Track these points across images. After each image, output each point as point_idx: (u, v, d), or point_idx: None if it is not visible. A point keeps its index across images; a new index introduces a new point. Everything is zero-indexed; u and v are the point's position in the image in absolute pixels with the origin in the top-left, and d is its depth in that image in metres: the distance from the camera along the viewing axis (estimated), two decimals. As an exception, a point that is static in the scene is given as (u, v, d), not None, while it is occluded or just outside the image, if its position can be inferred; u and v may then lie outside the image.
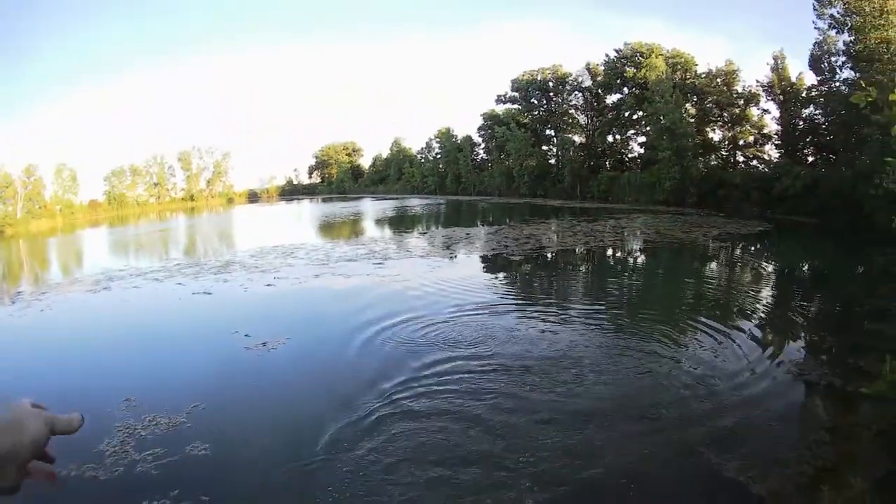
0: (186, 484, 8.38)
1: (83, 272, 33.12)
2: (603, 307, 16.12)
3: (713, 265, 22.35)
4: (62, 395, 12.57)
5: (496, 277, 21.20)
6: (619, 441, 8.40)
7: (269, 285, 22.20)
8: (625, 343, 12.87)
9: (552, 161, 64.03)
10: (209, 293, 21.90)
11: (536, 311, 15.70)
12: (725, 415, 9.05)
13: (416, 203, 57.05)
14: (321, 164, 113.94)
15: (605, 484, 7.48)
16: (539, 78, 64.81)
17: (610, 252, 25.23)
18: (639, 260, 24.26)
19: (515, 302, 17.06)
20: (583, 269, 22.77)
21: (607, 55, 57.00)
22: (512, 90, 68.17)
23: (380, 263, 25.09)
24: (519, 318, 15.24)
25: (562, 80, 62.70)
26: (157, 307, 21.09)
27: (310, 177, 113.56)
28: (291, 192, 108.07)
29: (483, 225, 37.73)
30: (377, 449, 8.98)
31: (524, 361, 11.94)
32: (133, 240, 52.79)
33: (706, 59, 71.38)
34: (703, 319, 14.12)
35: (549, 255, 24.88)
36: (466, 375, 11.38)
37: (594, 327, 14.20)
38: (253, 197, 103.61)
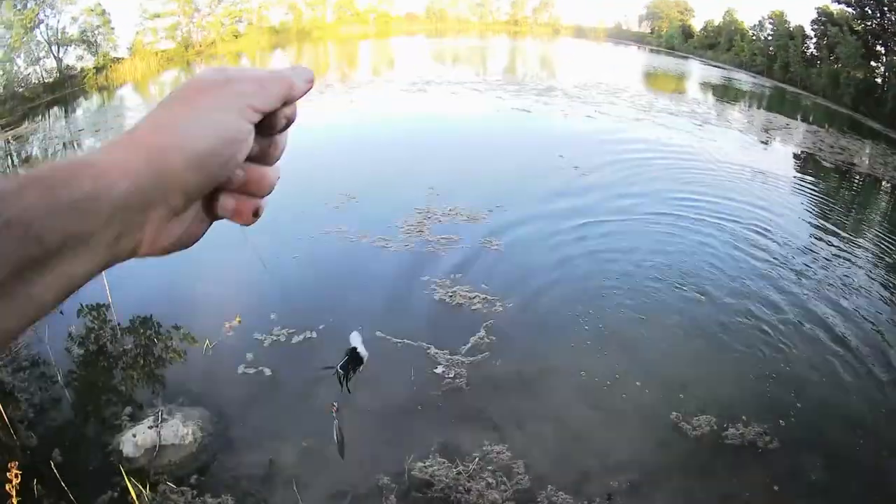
0: (470, 270, 9.12)
1: (397, 74, 34.43)
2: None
3: None
4: (370, 177, 13.56)
5: (802, 179, 19.51)
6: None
7: (588, 117, 22.45)
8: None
9: (878, 80, 57.94)
10: (528, 111, 22.37)
11: (823, 236, 13.62)
12: None
13: (742, 78, 54.22)
14: (651, 16, 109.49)
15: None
16: (872, -14, 57.86)
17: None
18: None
19: (812, 218, 15.22)
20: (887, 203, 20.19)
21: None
22: (847, -8, 61.59)
23: (699, 125, 24.24)
24: (814, 239, 13.32)
25: (896, -8, 55.56)
26: (474, 114, 21.84)
27: (639, 26, 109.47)
28: (618, 36, 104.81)
29: (803, 121, 35.47)
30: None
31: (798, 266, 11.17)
32: (452, 52, 53.83)
33: None
34: None
35: (856, 176, 22.67)
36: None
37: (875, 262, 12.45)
38: (580, 33, 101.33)
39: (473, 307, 8.39)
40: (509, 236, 10.75)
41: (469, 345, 7.52)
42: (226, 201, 0.77)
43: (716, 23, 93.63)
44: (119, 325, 8.23)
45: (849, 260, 12.04)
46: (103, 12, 41.87)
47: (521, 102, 24.43)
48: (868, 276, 11.43)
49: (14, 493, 4.36)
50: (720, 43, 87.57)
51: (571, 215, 12.00)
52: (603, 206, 12.70)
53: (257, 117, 0.75)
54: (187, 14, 51.99)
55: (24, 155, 21.43)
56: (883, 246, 13.72)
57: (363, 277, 9.37)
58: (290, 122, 0.83)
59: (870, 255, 12.84)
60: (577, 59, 54.36)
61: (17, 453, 5.87)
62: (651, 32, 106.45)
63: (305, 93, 0.82)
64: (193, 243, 0.77)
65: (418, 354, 7.38)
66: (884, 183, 22.15)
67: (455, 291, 8.77)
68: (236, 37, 57.86)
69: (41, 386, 7.23)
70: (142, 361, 7.70)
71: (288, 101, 0.80)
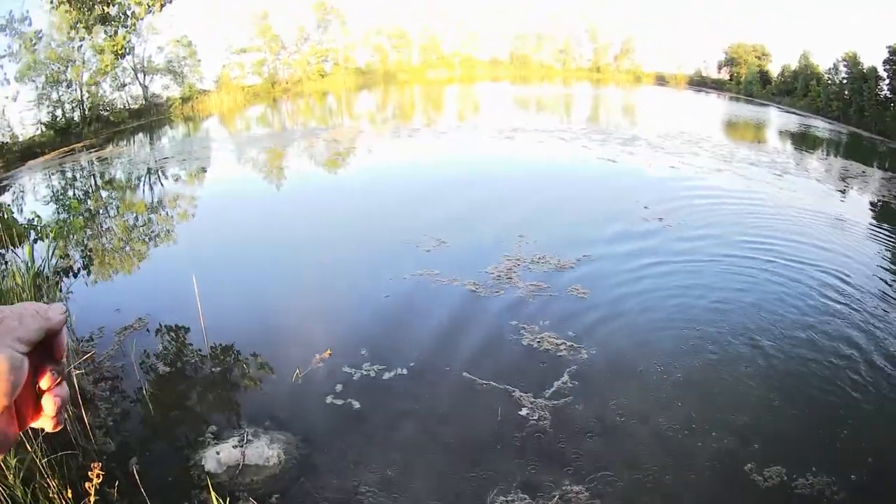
0: (557, 317, 9.29)
1: (483, 120, 34.85)
2: None
3: None
4: (459, 223, 13.92)
5: (878, 228, 18.87)
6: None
7: (672, 167, 22.44)
8: None
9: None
10: (613, 161, 22.63)
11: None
12: None
13: (818, 125, 53.15)
14: (730, 62, 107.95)
15: None
16: (945, 18, 55.85)
17: None
18: None
19: (890, 263, 14.82)
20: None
21: None
22: (917, 27, 59.53)
23: (779, 175, 23.81)
24: (889, 280, 13.02)
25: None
26: (560, 163, 22.17)
27: (718, 71, 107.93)
28: (699, 83, 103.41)
29: (878, 168, 34.78)
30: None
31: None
32: (536, 99, 54.08)
33: None
34: None
35: None
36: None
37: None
38: (661, 80, 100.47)
39: (559, 353, 8.56)
40: (596, 284, 10.94)
41: (553, 389, 7.67)
42: (47, 422, 1.00)
43: (792, 67, 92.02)
44: (208, 348, 8.61)
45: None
46: (189, 44, 43.23)
47: (607, 152, 24.64)
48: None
49: (93, 492, 4.56)
50: (797, 89, 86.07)
51: (655, 265, 12.16)
52: (685, 257, 12.77)
53: (24, 347, 0.93)
54: (273, 51, 52.94)
55: (107, 177, 22.23)
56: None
57: (452, 320, 9.63)
58: (62, 351, 1.02)
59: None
60: (659, 108, 54.13)
61: (94, 457, 6.21)
62: (730, 79, 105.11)
63: (63, 324, 1.01)
64: (7, 450, 0.96)
65: (504, 396, 7.58)
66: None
67: (543, 337, 8.97)
68: (322, 76, 58.29)
69: (122, 397, 7.64)
70: (229, 384, 8.08)
71: (51, 331, 0.99)
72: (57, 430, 1.02)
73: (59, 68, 32.03)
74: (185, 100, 40.86)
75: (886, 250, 15.68)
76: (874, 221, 19.60)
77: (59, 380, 1.00)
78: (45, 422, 1.01)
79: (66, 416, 1.04)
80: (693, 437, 7.09)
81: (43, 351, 0.98)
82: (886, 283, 12.81)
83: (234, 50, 50.78)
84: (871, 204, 23.04)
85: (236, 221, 15.78)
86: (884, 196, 23.89)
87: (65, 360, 1.02)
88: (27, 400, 0.98)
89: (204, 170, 22.50)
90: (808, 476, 6.53)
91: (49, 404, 0.99)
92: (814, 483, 6.45)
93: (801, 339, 9.57)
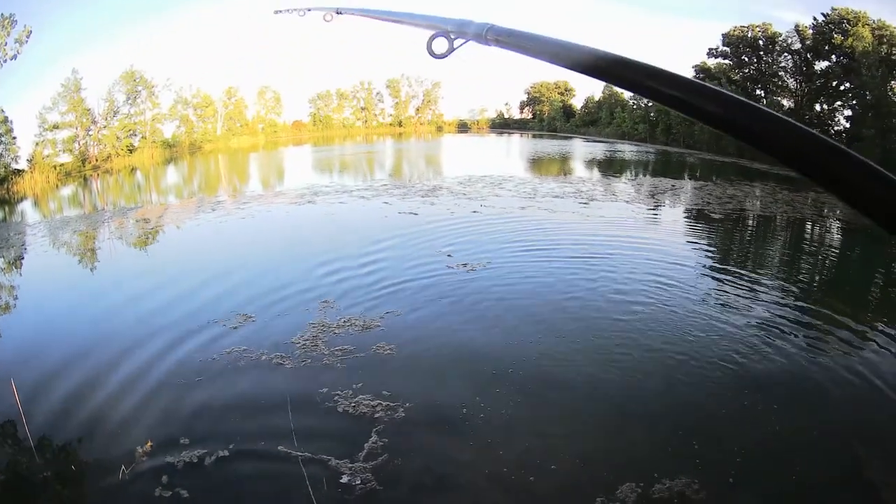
0: (369, 378, 9.44)
1: (286, 186, 35.44)
2: (795, 287, 14.77)
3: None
4: (264, 295, 13.94)
5: (692, 232, 21.16)
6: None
7: (474, 212, 23.47)
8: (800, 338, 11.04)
9: (760, 123, 60.95)
10: (415, 213, 23.29)
11: (723, 277, 15.06)
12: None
13: (625, 149, 56.45)
14: (532, 101, 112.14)
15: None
16: (749, 35, 61.56)
17: (809, 226, 23.52)
18: (835, 239, 22.16)
19: (707, 263, 16.83)
20: (780, 238, 21.64)
21: (815, 18, 53.48)
22: (723, 45, 65.22)
23: (585, 203, 25.64)
24: (713, 281, 14.75)
25: (771, 40, 59.16)
26: (363, 222, 22.61)
27: (521, 112, 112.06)
28: (502, 125, 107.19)
29: (689, 179, 37.32)
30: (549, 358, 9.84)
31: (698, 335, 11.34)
32: (338, 159, 55.35)
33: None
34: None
35: (748, 219, 24.27)
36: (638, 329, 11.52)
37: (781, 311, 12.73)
38: (462, 127, 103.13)
39: (377, 414, 8.66)
40: (405, 340, 11.01)
41: (365, 451, 7.79)
42: None
43: (596, 98, 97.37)
44: (35, 451, 8.39)
45: (756, 300, 13.15)
46: (5, 120, 42.14)
47: (408, 205, 25.53)
48: (773, 311, 12.37)
49: None
50: (602, 118, 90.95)
51: (463, 310, 12.50)
52: (495, 296, 13.26)
53: None
54: (84, 126, 52.54)
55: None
56: (783, 279, 15.37)
57: (265, 395, 9.50)
58: None
59: (774, 291, 14.04)
60: (460, 155, 56.01)
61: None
62: (533, 117, 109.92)
63: None
64: None
65: (322, 466, 7.64)
66: (778, 218, 23.62)
67: (358, 401, 9.07)
68: (131, 151, 59.29)
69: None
70: (59, 487, 7.87)
71: None
72: None
73: None
74: (0, 181, 39.91)
75: (705, 254, 17.37)
76: (689, 230, 21.54)
77: None
78: None
79: None
80: (528, 473, 7.09)
81: None
82: (711, 286, 14.28)
83: (47, 126, 50.17)
84: (686, 212, 25.20)
85: (48, 310, 15.22)
86: (697, 204, 26.12)
87: None
88: None
89: (21, 258, 21.66)
90: (665, 482, 6.75)
91: None
92: (671, 487, 6.68)
93: (625, 349, 10.30)
